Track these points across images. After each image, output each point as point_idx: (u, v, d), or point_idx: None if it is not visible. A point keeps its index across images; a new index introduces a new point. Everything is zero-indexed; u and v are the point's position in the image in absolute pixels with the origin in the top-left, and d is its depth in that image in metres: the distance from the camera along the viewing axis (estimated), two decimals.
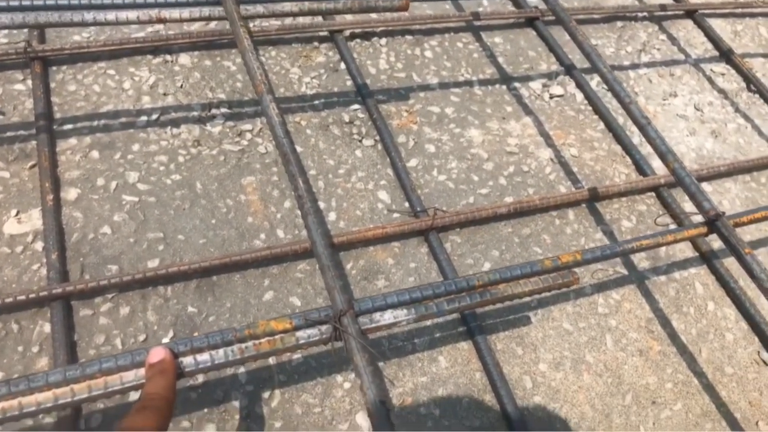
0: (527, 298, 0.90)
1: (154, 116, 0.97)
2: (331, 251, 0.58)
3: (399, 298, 0.59)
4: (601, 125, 1.18)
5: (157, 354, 0.49)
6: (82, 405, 0.69)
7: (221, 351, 0.52)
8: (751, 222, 0.76)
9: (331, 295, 0.56)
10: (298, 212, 0.87)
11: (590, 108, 1.20)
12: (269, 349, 0.53)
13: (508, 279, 0.63)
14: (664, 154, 0.75)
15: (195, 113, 0.99)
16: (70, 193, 0.85)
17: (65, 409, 0.66)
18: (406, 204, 0.96)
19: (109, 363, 0.50)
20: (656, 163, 1.12)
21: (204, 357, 0.51)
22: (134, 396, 0.71)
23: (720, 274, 0.99)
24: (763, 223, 1.09)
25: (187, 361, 0.50)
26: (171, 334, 0.77)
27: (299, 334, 0.55)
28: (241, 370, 0.76)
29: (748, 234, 1.07)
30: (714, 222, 0.71)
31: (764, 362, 0.92)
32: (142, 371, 0.50)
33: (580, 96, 1.22)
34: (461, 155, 1.05)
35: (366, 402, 0.51)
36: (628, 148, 1.13)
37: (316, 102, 1.06)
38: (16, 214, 0.82)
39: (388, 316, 0.57)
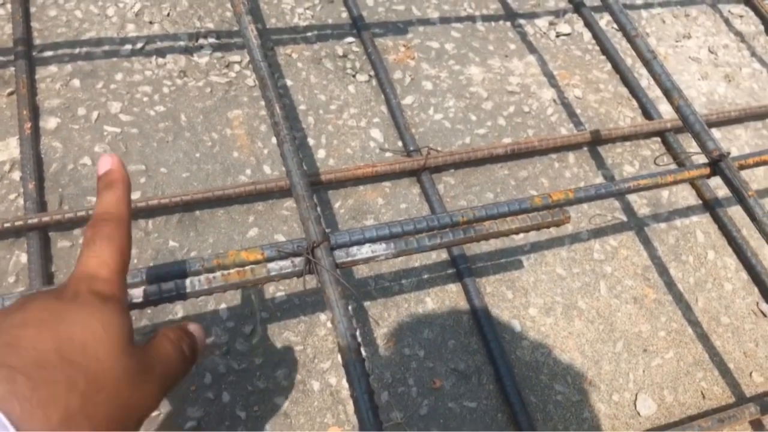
0: (520, 242, 0.87)
1: (139, 45, 0.93)
2: (307, 181, 0.55)
3: (378, 233, 0.56)
4: (608, 66, 1.12)
5: (104, 164, 0.40)
6: None
7: (187, 281, 0.50)
8: (757, 164, 0.71)
9: (305, 227, 0.54)
10: None
11: (597, 48, 1.14)
12: (238, 280, 0.51)
13: (495, 216, 0.60)
14: (669, 90, 0.71)
15: (182, 43, 0.95)
16: (49, 122, 0.83)
17: None
18: (400, 143, 0.92)
19: None
20: (663, 108, 1.07)
21: (169, 286, 0.49)
22: None
23: (723, 223, 0.96)
24: None
25: (151, 289, 0.48)
26: None
27: (271, 265, 0.52)
28: (222, 305, 0.74)
29: (755, 183, 1.03)
30: (717, 163, 0.67)
31: (763, 313, 0.89)
32: None
33: (587, 35, 1.16)
34: (460, 93, 1.01)
35: (336, 336, 0.49)
36: (635, 91, 1.08)
37: (309, 34, 1.01)
38: None
39: (365, 250, 0.55)
